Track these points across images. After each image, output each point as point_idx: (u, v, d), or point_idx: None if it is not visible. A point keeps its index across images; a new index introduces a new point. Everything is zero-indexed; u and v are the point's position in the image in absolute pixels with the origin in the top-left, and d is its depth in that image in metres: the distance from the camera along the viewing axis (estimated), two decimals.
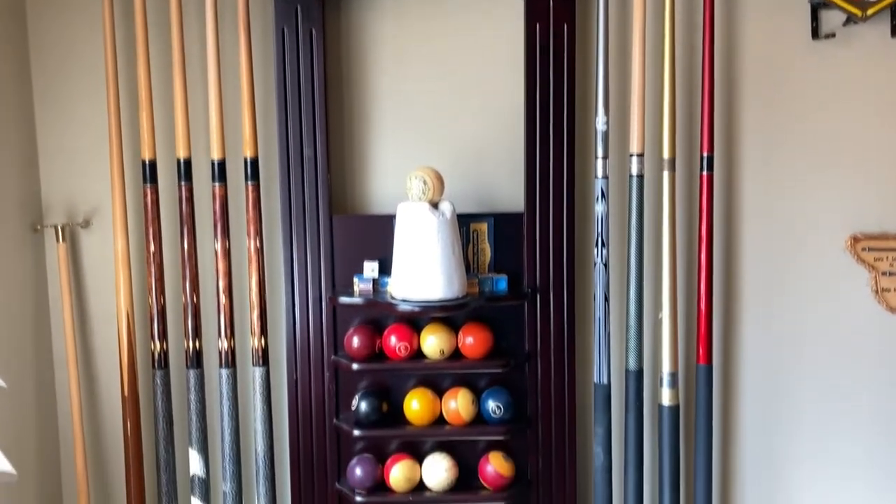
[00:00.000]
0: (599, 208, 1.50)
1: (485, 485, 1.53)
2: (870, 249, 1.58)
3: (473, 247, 1.54)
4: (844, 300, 1.60)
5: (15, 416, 1.51)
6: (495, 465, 1.52)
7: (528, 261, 1.52)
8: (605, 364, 1.52)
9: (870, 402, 1.61)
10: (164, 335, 1.55)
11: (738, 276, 1.60)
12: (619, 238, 1.55)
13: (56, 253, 1.58)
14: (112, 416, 1.62)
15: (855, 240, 1.57)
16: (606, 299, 1.51)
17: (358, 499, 1.53)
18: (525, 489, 1.56)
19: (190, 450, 1.56)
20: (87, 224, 1.60)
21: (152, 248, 1.53)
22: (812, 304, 1.60)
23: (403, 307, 1.42)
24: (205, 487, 1.57)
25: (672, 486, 1.53)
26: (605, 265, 1.51)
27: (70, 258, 1.59)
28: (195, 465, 1.56)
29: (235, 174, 1.54)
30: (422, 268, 1.41)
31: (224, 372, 1.55)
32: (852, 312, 1.60)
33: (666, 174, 1.49)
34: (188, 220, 1.53)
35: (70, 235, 1.60)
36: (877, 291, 1.58)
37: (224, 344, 1.54)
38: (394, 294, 1.46)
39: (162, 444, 1.56)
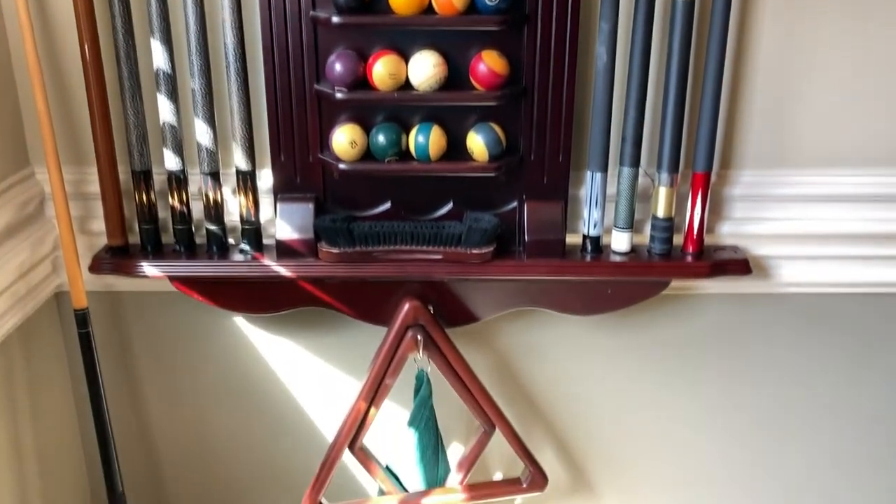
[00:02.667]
0: None
1: (476, 85, 1.42)
2: None
3: None
4: None
5: None
6: (488, 63, 1.39)
7: None
8: None
9: None
10: None
11: None
12: None
13: None
14: (63, 2, 1.45)
15: None
16: None
17: (338, 96, 1.41)
18: (518, 93, 1.44)
19: (151, 40, 1.41)
20: None
21: None
22: None
23: None
24: (171, 84, 1.44)
25: (678, 89, 1.42)
26: None
27: None
28: (158, 59, 1.42)
29: None
30: None
31: None
32: None
33: None
34: None
35: None
36: None
37: None
38: None
39: (120, 34, 1.40)
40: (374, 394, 1.54)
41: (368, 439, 1.60)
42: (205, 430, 1.78)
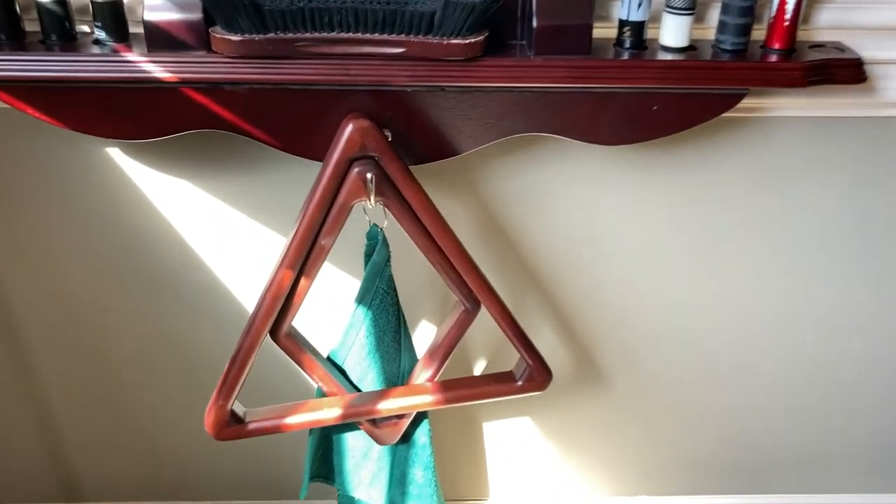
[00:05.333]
0: None
1: None
2: None
3: None
4: None
5: None
6: None
7: None
8: None
9: None
10: None
11: None
12: None
13: None
14: None
15: None
16: None
17: None
18: None
19: None
20: None
21: None
22: None
23: None
24: None
25: None
26: None
27: None
28: None
29: None
30: None
31: None
32: None
33: None
34: None
35: None
36: None
37: None
38: None
39: None
40: (304, 258, 1.04)
41: (300, 322, 1.12)
42: (71, 301, 1.29)
